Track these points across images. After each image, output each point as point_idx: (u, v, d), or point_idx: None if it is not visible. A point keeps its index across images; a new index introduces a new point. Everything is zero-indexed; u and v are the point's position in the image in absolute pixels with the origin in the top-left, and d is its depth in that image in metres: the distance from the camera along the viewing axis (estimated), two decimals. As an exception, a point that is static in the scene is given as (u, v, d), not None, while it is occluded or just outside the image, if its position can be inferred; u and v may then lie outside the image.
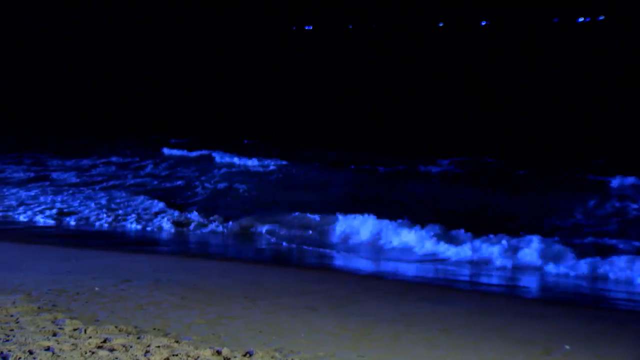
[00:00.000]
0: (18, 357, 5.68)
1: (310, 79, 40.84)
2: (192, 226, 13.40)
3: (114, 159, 21.19)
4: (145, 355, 5.84)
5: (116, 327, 6.72)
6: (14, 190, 16.49)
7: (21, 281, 8.55)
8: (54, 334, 6.39)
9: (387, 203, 14.75)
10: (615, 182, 15.35)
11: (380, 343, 6.67)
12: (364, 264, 11.42)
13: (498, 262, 10.78)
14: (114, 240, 12.46)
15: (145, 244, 12.45)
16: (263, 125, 27.98)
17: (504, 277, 10.40)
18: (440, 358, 6.35)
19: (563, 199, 14.44)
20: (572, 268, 10.29)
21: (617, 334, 7.33)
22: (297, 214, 13.45)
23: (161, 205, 14.91)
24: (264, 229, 13.03)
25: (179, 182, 17.85)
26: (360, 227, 12.49)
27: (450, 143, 21.76)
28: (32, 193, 16.23)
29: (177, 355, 5.87)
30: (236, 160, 20.15)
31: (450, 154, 19.64)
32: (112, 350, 5.98)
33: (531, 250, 10.86)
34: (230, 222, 13.43)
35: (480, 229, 11.83)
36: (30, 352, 5.78)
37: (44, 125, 29.92)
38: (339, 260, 11.62)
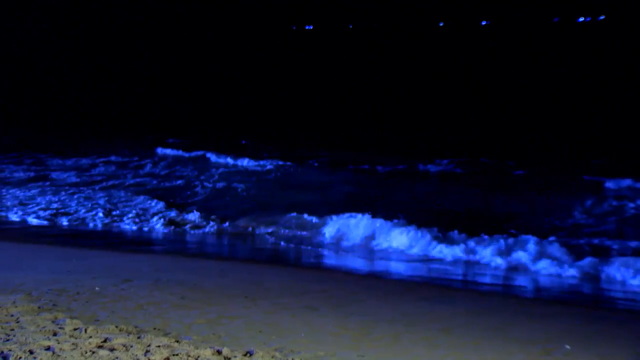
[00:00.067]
0: (18, 357, 5.68)
1: (310, 79, 40.84)
2: (191, 226, 13.43)
3: (112, 158, 21.21)
4: (145, 355, 5.84)
5: (116, 326, 6.73)
6: (12, 191, 16.48)
7: (21, 281, 8.55)
8: (55, 334, 6.39)
9: (384, 203, 14.77)
10: (611, 184, 15.35)
11: (380, 343, 6.68)
12: (362, 264, 11.42)
13: (494, 263, 10.80)
14: (114, 240, 12.47)
15: (145, 243, 12.48)
16: (262, 125, 27.99)
17: (501, 277, 10.40)
18: (440, 358, 6.35)
19: (559, 200, 14.45)
20: (567, 268, 10.30)
21: (617, 334, 7.33)
22: (294, 214, 13.48)
23: (161, 205, 14.92)
24: (262, 229, 13.07)
25: (178, 182, 17.85)
26: (356, 227, 12.51)
27: (449, 143, 21.77)
28: (31, 193, 16.22)
29: (177, 354, 5.87)
30: (233, 160, 20.12)
31: (448, 154, 19.64)
32: (112, 349, 5.98)
33: (526, 250, 10.88)
34: (228, 222, 13.48)
35: (476, 229, 11.88)
36: (31, 352, 5.78)
37: (43, 125, 29.95)
38: (338, 260, 11.62)
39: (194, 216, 13.89)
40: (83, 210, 14.44)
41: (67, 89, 41.42)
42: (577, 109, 26.74)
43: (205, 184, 17.49)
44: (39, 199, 15.51)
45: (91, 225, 13.55)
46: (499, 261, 10.79)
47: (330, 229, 12.68)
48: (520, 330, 7.26)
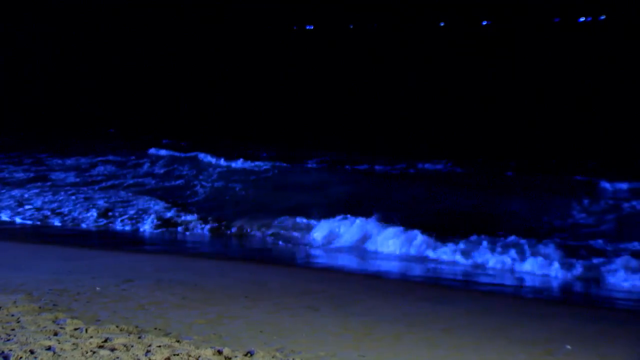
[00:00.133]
0: (19, 357, 5.68)
1: (310, 79, 40.82)
2: (190, 226, 13.46)
3: (110, 157, 21.24)
4: (146, 355, 5.84)
5: (117, 326, 6.73)
6: (13, 192, 16.51)
7: (22, 281, 8.55)
8: (55, 334, 6.39)
9: (380, 204, 14.76)
10: (606, 184, 15.34)
11: (381, 343, 6.68)
12: (360, 265, 11.42)
13: (488, 263, 10.81)
14: (115, 240, 12.49)
15: (145, 243, 12.50)
16: (261, 125, 27.98)
17: (498, 278, 10.39)
18: (441, 358, 6.35)
19: (554, 201, 14.44)
20: (560, 268, 10.33)
21: (618, 334, 7.33)
22: (288, 216, 13.49)
23: (160, 205, 14.96)
24: (259, 230, 13.11)
25: (176, 183, 17.88)
26: (349, 229, 12.52)
27: (448, 143, 21.77)
28: (31, 193, 16.25)
29: (178, 354, 5.87)
30: (231, 161, 20.05)
31: (447, 154, 19.64)
32: (113, 349, 5.98)
33: (523, 251, 10.92)
34: (225, 223, 13.52)
35: (471, 230, 11.91)
36: (32, 352, 5.78)
37: (43, 125, 29.97)
38: (338, 261, 11.63)
39: (192, 217, 13.93)
40: (82, 211, 14.45)
41: (66, 89, 41.44)
42: (577, 109, 26.70)
43: (204, 183, 17.53)
44: (38, 199, 15.53)
45: (91, 226, 13.56)
46: (493, 262, 10.81)
47: (324, 231, 12.68)
48: (521, 331, 7.25)
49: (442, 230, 12.07)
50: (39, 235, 12.73)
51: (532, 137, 22.24)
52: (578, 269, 10.30)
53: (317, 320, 7.36)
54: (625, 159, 18.17)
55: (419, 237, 11.74)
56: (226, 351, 6.03)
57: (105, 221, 13.81)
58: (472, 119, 26.55)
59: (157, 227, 13.44)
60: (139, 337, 6.37)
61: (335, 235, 12.52)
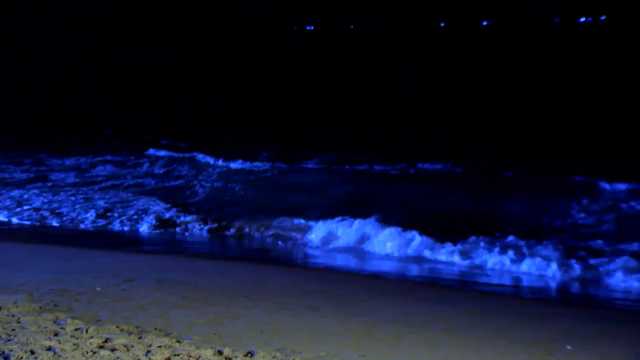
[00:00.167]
0: (20, 357, 5.69)
1: (310, 79, 40.81)
2: (189, 227, 13.48)
3: (108, 157, 21.25)
4: (146, 355, 5.85)
5: (118, 327, 6.73)
6: (13, 192, 16.53)
7: (23, 281, 8.55)
8: (56, 334, 6.39)
9: (378, 204, 14.79)
10: (605, 186, 15.34)
11: (381, 343, 6.68)
12: (357, 265, 11.43)
13: (488, 264, 10.82)
14: (114, 240, 12.50)
15: (145, 244, 12.51)
16: (261, 125, 27.97)
17: (496, 278, 10.39)
18: (441, 358, 6.35)
19: (553, 201, 14.44)
20: (559, 269, 10.35)
21: (618, 334, 7.33)
22: (287, 217, 13.51)
23: (160, 206, 14.97)
24: (258, 231, 13.14)
25: (176, 183, 17.88)
26: (347, 230, 12.54)
27: (448, 144, 21.76)
28: (31, 194, 16.26)
29: (178, 355, 5.87)
30: (230, 162, 20.04)
31: (446, 154, 19.63)
32: (113, 350, 5.99)
33: (520, 251, 10.94)
34: (224, 223, 13.55)
35: (470, 231, 11.92)
36: (32, 352, 5.79)
37: (43, 125, 29.96)
38: (337, 261, 11.64)
39: (192, 217, 13.96)
40: (82, 212, 14.47)
41: (66, 89, 41.42)
42: (577, 109, 26.68)
43: (203, 183, 17.55)
44: (38, 200, 15.54)
45: (90, 226, 13.57)
46: (491, 262, 10.82)
47: (322, 232, 12.69)
48: (522, 331, 7.26)
49: (441, 231, 12.08)
50: (39, 235, 12.73)
51: (532, 138, 22.23)
52: (577, 270, 10.32)
53: (317, 320, 7.36)
54: (624, 159, 18.16)
55: (417, 238, 11.76)
56: (226, 351, 6.04)
57: (104, 221, 13.83)
58: (472, 119, 26.54)
59: (156, 227, 13.46)
60: (140, 338, 6.37)
61: (333, 236, 12.53)
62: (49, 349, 5.90)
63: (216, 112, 32.26)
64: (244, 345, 6.36)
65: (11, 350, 5.80)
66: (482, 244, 11.39)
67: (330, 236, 12.54)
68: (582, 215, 13.54)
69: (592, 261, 10.55)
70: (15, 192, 16.38)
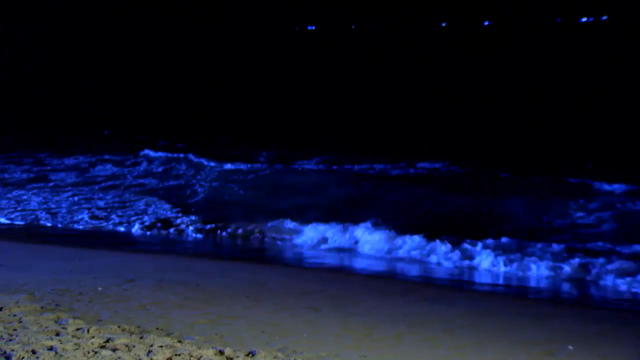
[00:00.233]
0: (21, 357, 5.70)
1: (311, 80, 40.81)
2: (189, 227, 13.51)
3: (107, 156, 21.28)
4: (147, 355, 5.85)
5: (119, 326, 6.74)
6: (15, 193, 16.55)
7: (24, 281, 8.56)
8: (57, 334, 6.40)
9: (376, 205, 14.84)
10: (604, 187, 15.33)
11: (382, 343, 6.69)
12: (357, 266, 11.44)
13: (485, 265, 10.84)
14: (115, 240, 12.52)
15: (145, 244, 12.52)
16: (260, 126, 27.95)
17: (495, 279, 10.40)
18: (442, 358, 6.36)
19: (551, 202, 14.44)
20: (559, 269, 10.38)
21: (619, 334, 7.34)
22: (284, 219, 13.53)
23: (159, 206, 15.04)
24: (257, 231, 13.18)
25: (175, 184, 17.92)
26: (345, 231, 12.57)
27: (447, 144, 21.76)
28: (31, 194, 16.28)
29: (179, 354, 5.88)
30: (228, 164, 20.01)
31: (446, 155, 19.63)
32: (114, 349, 5.99)
33: (518, 252, 10.96)
34: (222, 224, 13.61)
35: (467, 231, 11.98)
36: (34, 352, 5.79)
37: (43, 125, 29.97)
38: (334, 262, 11.65)
39: (191, 217, 14.01)
40: (82, 212, 14.50)
41: (66, 89, 41.43)
42: (577, 110, 26.66)
43: (202, 183, 17.59)
44: (38, 200, 15.56)
45: (91, 226, 13.59)
46: (488, 263, 10.83)
47: (312, 235, 12.72)
48: (523, 331, 7.27)
49: (439, 232, 12.07)
50: (39, 235, 12.74)
51: (532, 138, 22.22)
52: (577, 270, 10.33)
53: (318, 320, 7.37)
54: (624, 160, 18.15)
55: (408, 242, 11.78)
56: (228, 351, 6.04)
57: (104, 222, 13.85)
58: (472, 119, 26.52)
59: (156, 227, 13.48)
60: (141, 337, 6.38)
61: (328, 238, 12.55)
62: (51, 348, 5.91)
63: (216, 112, 32.25)
64: (245, 345, 6.36)
65: (13, 350, 5.81)
66: (479, 244, 11.41)
67: (325, 238, 12.57)
68: (582, 216, 13.55)
69: (592, 261, 10.56)
70: (16, 193, 16.41)
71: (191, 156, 20.60)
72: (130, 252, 11.29)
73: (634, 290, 9.55)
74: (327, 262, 11.53)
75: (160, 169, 19.66)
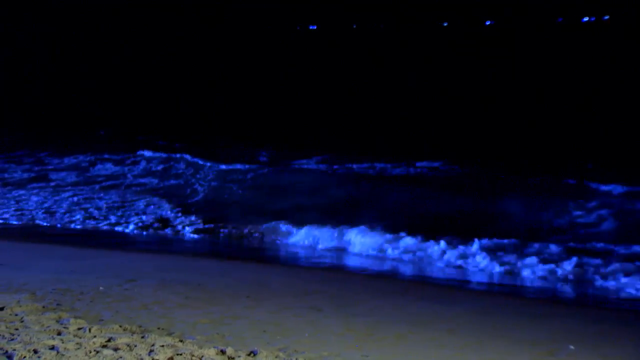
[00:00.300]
0: (23, 356, 5.69)
1: (312, 80, 40.81)
2: (189, 227, 13.54)
3: (106, 155, 21.29)
4: (149, 355, 5.85)
5: (120, 326, 6.74)
6: (16, 193, 16.55)
7: (25, 280, 8.56)
8: (59, 333, 6.40)
9: (373, 206, 14.84)
10: (603, 188, 15.33)
11: (384, 343, 6.69)
12: (354, 265, 11.45)
13: (483, 265, 10.84)
14: (115, 240, 12.53)
15: (146, 243, 12.53)
16: (260, 126, 27.94)
17: (496, 279, 10.40)
18: (444, 358, 6.36)
19: (550, 203, 14.43)
20: (560, 269, 10.39)
21: (621, 334, 7.34)
22: (278, 221, 13.54)
23: (159, 206, 15.07)
24: (255, 232, 13.20)
25: (175, 184, 17.93)
26: (342, 233, 12.59)
27: (447, 145, 21.76)
28: (31, 194, 16.30)
29: (181, 354, 5.88)
30: (227, 165, 20.01)
31: (445, 155, 19.62)
32: (116, 349, 5.99)
33: (515, 252, 10.98)
34: (221, 224, 13.64)
35: (464, 232, 11.97)
36: (35, 351, 5.79)
37: (43, 125, 29.98)
38: (337, 262, 11.66)
39: (191, 217, 14.04)
40: (82, 211, 14.52)
41: (66, 89, 41.44)
42: (578, 110, 26.65)
43: (202, 182, 17.65)
44: (38, 200, 15.58)
45: (91, 225, 13.60)
46: (486, 263, 10.84)
47: (304, 237, 12.75)
48: (524, 331, 7.26)
49: (438, 232, 12.08)
50: (40, 235, 12.75)
51: (532, 138, 22.22)
52: (577, 270, 10.33)
53: (319, 320, 7.37)
54: (624, 161, 18.15)
55: (409, 240, 11.81)
56: (229, 351, 6.04)
57: (105, 221, 13.86)
58: (472, 119, 26.52)
59: (156, 227, 13.50)
60: (142, 337, 6.37)
61: (323, 240, 12.57)
62: (52, 348, 5.91)
63: (216, 112, 32.26)
64: (246, 344, 6.36)
65: (14, 350, 5.81)
66: (478, 244, 11.41)
67: (317, 241, 12.59)
68: (582, 216, 13.56)
69: (592, 261, 10.56)
70: (17, 192, 16.42)
71: (187, 156, 20.60)
72: (131, 252, 11.30)
73: (634, 290, 9.55)
74: (327, 262, 11.53)
75: (159, 168, 19.66)
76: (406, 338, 6.86)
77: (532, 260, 10.68)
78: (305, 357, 6.14)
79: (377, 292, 8.92)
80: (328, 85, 38.29)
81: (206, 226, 13.59)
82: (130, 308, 7.55)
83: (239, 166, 19.34)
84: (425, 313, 7.87)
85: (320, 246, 12.39)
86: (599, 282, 9.95)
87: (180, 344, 6.24)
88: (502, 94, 32.13)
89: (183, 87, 40.40)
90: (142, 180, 18.39)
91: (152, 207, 15.08)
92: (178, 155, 20.97)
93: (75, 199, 15.82)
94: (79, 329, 6.59)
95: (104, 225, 13.65)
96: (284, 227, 13.23)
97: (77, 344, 6.06)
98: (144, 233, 13.28)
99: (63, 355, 5.74)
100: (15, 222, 13.76)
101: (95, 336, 6.37)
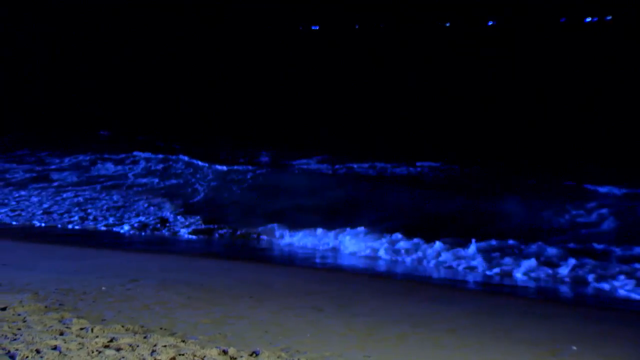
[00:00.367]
0: (25, 356, 5.70)
1: (314, 80, 40.81)
2: (189, 227, 13.57)
3: (106, 155, 21.30)
4: (151, 355, 5.86)
5: (123, 326, 6.75)
6: (19, 194, 16.56)
7: (28, 280, 8.57)
8: (61, 333, 6.41)
9: (370, 206, 14.86)
10: (602, 190, 15.34)
11: (386, 343, 6.70)
12: (357, 265, 11.47)
13: (483, 265, 10.85)
14: (117, 240, 12.54)
15: (147, 243, 12.53)
16: (260, 126, 27.96)
17: (496, 279, 10.41)
18: (446, 358, 6.37)
19: (550, 204, 14.42)
20: (560, 270, 10.42)
21: (623, 335, 7.34)
22: (276, 223, 13.56)
23: (159, 206, 15.08)
24: (254, 233, 13.24)
25: (175, 184, 17.95)
26: (331, 235, 12.65)
27: (446, 145, 21.77)
28: (33, 194, 16.31)
29: (183, 354, 5.89)
30: (226, 166, 20.00)
31: (445, 156, 19.63)
32: (118, 349, 6.00)
33: (513, 254, 11.02)
34: (219, 225, 13.66)
35: (463, 232, 12.01)
36: (38, 351, 5.80)
37: (43, 125, 29.99)
38: (338, 261, 11.68)
39: (191, 218, 14.07)
40: (83, 211, 14.54)
41: (66, 89, 41.45)
42: (579, 111, 26.65)
43: (202, 182, 17.67)
44: (39, 200, 15.59)
45: (92, 225, 13.61)
46: (485, 264, 10.85)
47: (306, 237, 12.80)
48: (526, 331, 7.27)
49: (437, 233, 12.10)
50: (43, 235, 12.75)
51: (533, 139, 22.23)
52: (577, 271, 10.35)
53: (321, 320, 7.38)
54: (626, 162, 18.15)
55: (407, 240, 11.83)
56: (231, 351, 6.05)
57: (106, 221, 13.87)
58: (473, 120, 26.53)
59: (157, 227, 13.52)
60: (145, 337, 6.38)
61: (323, 241, 12.60)
62: (55, 348, 5.91)
63: (217, 112, 32.26)
64: (248, 345, 6.37)
65: (17, 349, 5.82)
66: (478, 245, 11.42)
67: (314, 241, 12.62)
68: (579, 215, 13.58)
69: (592, 263, 10.58)
70: (19, 193, 16.43)
71: (183, 157, 20.60)
72: (133, 252, 11.32)
73: (634, 290, 9.56)
74: (327, 263, 11.54)
75: (158, 173, 19.65)
76: (407, 338, 6.87)
77: (531, 260, 10.70)
78: (307, 357, 6.15)
79: (377, 292, 8.93)
80: (328, 85, 38.29)
81: (206, 227, 13.63)
82: (133, 308, 7.56)
83: (237, 167, 19.36)
84: (426, 313, 7.88)
85: (319, 247, 12.41)
86: (599, 282, 9.96)
87: (182, 344, 6.25)
88: (503, 94, 32.14)
89: (183, 87, 40.40)
90: (143, 180, 18.40)
91: (153, 207, 15.09)
92: (174, 157, 20.98)
93: (77, 199, 15.82)
94: (82, 329, 6.60)
95: (105, 226, 13.66)
96: (282, 229, 13.25)
97: (79, 344, 6.07)
98: (145, 233, 13.29)
99: (65, 355, 5.75)
100: (18, 223, 13.76)
101: (97, 336, 6.38)
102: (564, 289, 9.87)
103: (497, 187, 16.35)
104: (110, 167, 20.16)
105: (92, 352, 5.86)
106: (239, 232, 13.35)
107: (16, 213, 14.40)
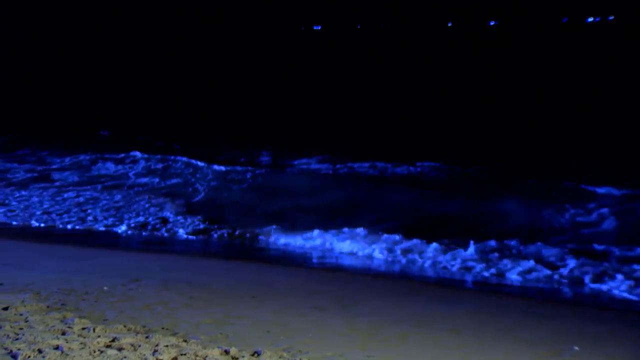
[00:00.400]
0: (27, 356, 5.71)
1: (315, 81, 40.82)
2: (189, 227, 13.57)
3: (106, 155, 21.31)
4: (153, 355, 5.87)
5: (125, 326, 6.76)
6: (22, 192, 16.57)
7: (30, 280, 8.58)
8: (63, 333, 6.42)
9: (369, 207, 14.86)
10: (602, 191, 15.33)
11: (388, 343, 6.71)
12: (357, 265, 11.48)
13: (483, 266, 10.85)
14: (119, 240, 12.54)
15: (149, 243, 12.52)
16: (260, 126, 27.96)
17: (496, 279, 10.41)
18: (447, 358, 6.38)
19: (549, 204, 14.40)
20: (560, 270, 10.43)
21: (624, 335, 7.35)
22: (275, 225, 13.56)
23: (160, 206, 15.07)
24: (253, 233, 13.24)
25: (174, 184, 17.95)
26: (331, 235, 12.64)
27: (447, 145, 21.77)
28: (34, 194, 16.32)
29: (185, 354, 5.89)
30: (225, 167, 19.98)
31: (445, 156, 19.62)
32: (120, 349, 6.01)
33: (511, 254, 11.02)
34: (218, 225, 13.66)
35: (462, 233, 12.01)
36: (40, 351, 5.81)
37: (43, 125, 29.99)
38: (337, 261, 11.69)
39: (192, 218, 14.07)
40: (84, 212, 14.54)
41: (66, 89, 41.46)
42: (579, 111, 26.65)
43: (202, 182, 17.64)
44: (40, 200, 15.59)
45: (94, 225, 13.61)
46: (485, 264, 10.85)
47: (305, 237, 12.80)
48: (527, 331, 7.28)
49: (436, 233, 12.10)
50: (44, 235, 12.74)
51: (533, 139, 22.23)
52: (578, 271, 10.35)
53: (323, 320, 7.39)
54: (626, 162, 18.15)
55: (407, 241, 11.83)
56: (233, 351, 6.06)
57: (107, 221, 13.88)
58: (473, 120, 26.53)
59: (159, 227, 13.52)
60: (147, 337, 6.39)
61: (323, 241, 12.60)
62: (57, 347, 5.92)
63: (217, 112, 32.25)
64: (250, 345, 6.38)
65: (19, 349, 5.83)
66: (478, 245, 11.42)
67: (314, 242, 12.64)
68: (580, 218, 13.58)
69: (593, 263, 10.58)
70: (20, 192, 16.43)
71: (180, 157, 20.60)
72: (134, 252, 11.31)
73: (635, 290, 9.57)
74: (327, 263, 11.55)
75: (158, 173, 19.63)
76: (409, 338, 6.88)
77: (531, 261, 10.70)
78: (309, 357, 6.16)
79: (379, 292, 8.93)
80: (328, 85, 38.30)
81: (208, 226, 13.62)
82: (134, 308, 7.57)
83: (237, 167, 19.35)
84: (427, 313, 7.88)
85: (319, 247, 12.41)
86: (599, 283, 9.97)
87: (184, 344, 6.26)
88: (503, 94, 32.14)
89: (183, 87, 40.39)
90: (144, 180, 18.39)
91: (153, 208, 15.09)
92: (172, 157, 20.98)
93: (78, 199, 15.82)
94: (83, 328, 6.61)
95: (106, 226, 13.66)
96: (283, 229, 13.24)
97: (81, 343, 6.08)
98: (146, 233, 13.29)
99: (67, 355, 5.76)
100: (19, 223, 13.76)
101: (99, 336, 6.39)
102: (564, 289, 9.87)
103: (497, 187, 16.34)
104: (110, 167, 20.16)
105: (94, 352, 5.87)
106: (239, 232, 13.35)
107: (17, 213, 14.40)
